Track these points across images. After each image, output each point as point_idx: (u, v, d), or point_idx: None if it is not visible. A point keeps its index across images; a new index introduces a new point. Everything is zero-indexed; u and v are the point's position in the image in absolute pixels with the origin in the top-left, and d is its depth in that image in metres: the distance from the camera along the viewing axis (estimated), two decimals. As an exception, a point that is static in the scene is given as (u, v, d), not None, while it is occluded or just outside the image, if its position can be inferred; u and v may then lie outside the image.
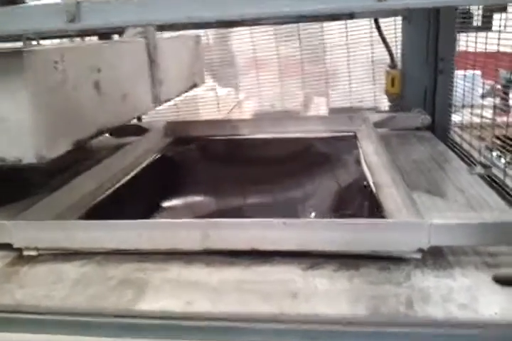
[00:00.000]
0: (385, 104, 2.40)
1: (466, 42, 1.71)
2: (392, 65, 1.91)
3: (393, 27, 2.14)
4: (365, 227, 0.89)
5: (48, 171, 1.65)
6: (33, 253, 1.01)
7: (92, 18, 0.70)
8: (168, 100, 1.71)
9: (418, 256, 0.89)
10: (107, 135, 2.07)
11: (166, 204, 1.29)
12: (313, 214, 1.11)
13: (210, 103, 3.18)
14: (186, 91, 1.93)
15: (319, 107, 3.41)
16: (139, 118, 2.23)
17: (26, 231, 0.99)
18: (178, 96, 1.83)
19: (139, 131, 1.90)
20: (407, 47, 1.91)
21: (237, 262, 0.92)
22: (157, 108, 2.15)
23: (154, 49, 1.52)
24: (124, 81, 1.40)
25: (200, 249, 0.94)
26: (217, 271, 0.90)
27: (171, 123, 1.91)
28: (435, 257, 0.90)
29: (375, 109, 2.93)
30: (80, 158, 1.77)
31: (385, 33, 1.99)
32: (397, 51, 1.98)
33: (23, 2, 1.42)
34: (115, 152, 1.61)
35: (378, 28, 1.93)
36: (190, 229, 0.93)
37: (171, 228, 0.94)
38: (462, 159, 1.56)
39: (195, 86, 2.00)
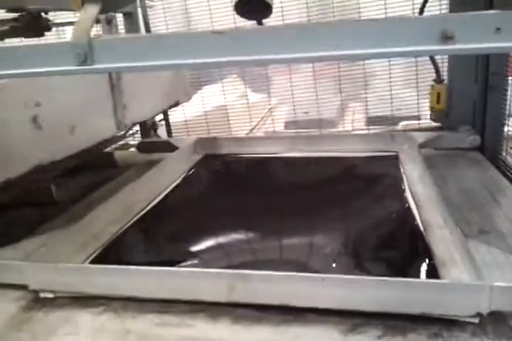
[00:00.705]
0: (427, 111, 2.24)
1: None
2: (438, 79, 1.77)
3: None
4: (416, 287, 0.78)
5: (71, 191, 1.61)
6: (50, 295, 0.94)
7: (107, 59, 0.61)
8: (138, 123, 1.65)
9: (475, 320, 0.78)
10: (133, 149, 2.03)
11: (192, 234, 1.20)
12: (346, 257, 0.99)
13: (242, 111, 3.07)
14: (165, 111, 1.86)
15: (356, 115, 3.26)
16: (170, 134, 2.17)
17: (42, 273, 0.93)
18: (152, 117, 1.77)
19: (168, 147, 1.84)
20: (455, 59, 1.76)
21: (266, 319, 0.83)
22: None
23: (118, 75, 1.44)
24: (73, 111, 1.34)
25: (226, 302, 0.85)
26: (244, 330, 0.81)
27: (200, 140, 1.83)
28: (495, 321, 0.78)
29: (418, 118, 2.76)
30: (106, 176, 1.72)
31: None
32: (444, 64, 1.83)
33: (48, 21, 1.37)
34: (143, 171, 1.54)
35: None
36: (215, 280, 0.84)
37: (194, 278, 0.86)
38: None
39: (177, 104, 1.92)
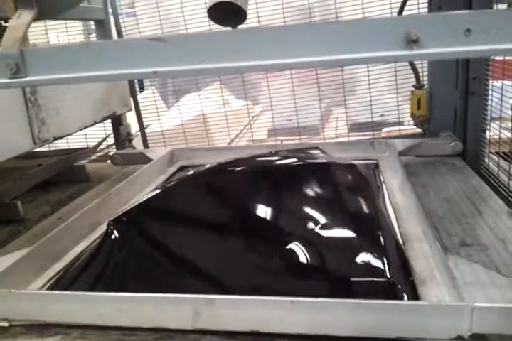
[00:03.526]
0: (408, 117, 2.20)
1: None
2: (418, 84, 1.73)
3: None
4: (393, 310, 0.72)
5: (39, 207, 1.54)
6: (5, 324, 0.87)
7: (42, 70, 0.55)
8: (62, 137, 1.58)
9: (456, 344, 0.73)
10: (108, 162, 1.96)
11: (165, 251, 1.13)
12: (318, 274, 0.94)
13: (224, 120, 3.02)
14: (98, 122, 1.79)
15: (339, 122, 3.22)
16: (146, 145, 2.10)
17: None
18: (81, 129, 1.69)
19: (142, 158, 1.78)
20: (435, 64, 1.73)
21: (234, 346, 0.77)
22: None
23: (33, 88, 1.37)
24: None
25: (191, 329, 0.79)
26: (211, 360, 0.75)
27: (175, 151, 1.77)
28: (477, 343, 0.73)
29: (400, 124, 2.73)
30: (78, 190, 1.66)
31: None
32: (424, 69, 1.80)
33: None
34: (115, 185, 1.48)
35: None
36: (179, 306, 0.78)
37: (156, 303, 0.80)
38: (499, 194, 1.38)
39: (113, 115, 1.86)
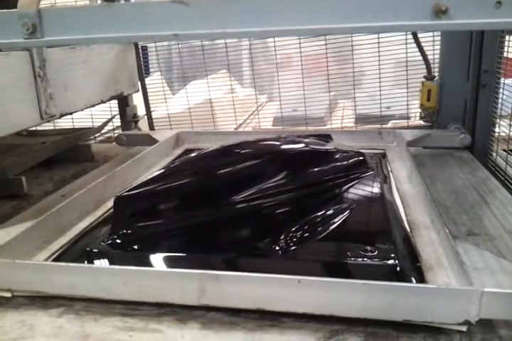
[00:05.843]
0: (417, 110, 2.19)
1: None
2: (429, 76, 1.72)
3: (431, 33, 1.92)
4: (400, 292, 0.72)
5: (44, 184, 1.53)
6: (7, 294, 0.87)
7: (59, 31, 0.54)
8: (69, 113, 1.55)
9: (463, 328, 0.72)
10: (114, 143, 1.95)
11: (168, 230, 1.12)
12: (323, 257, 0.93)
13: (229, 107, 3.00)
14: (105, 101, 1.77)
15: (345, 113, 3.20)
16: (152, 128, 2.09)
17: (-1, 270, 0.86)
18: (88, 107, 1.67)
19: (148, 140, 1.77)
20: (447, 56, 1.72)
21: (239, 323, 0.76)
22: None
23: (43, 62, 1.35)
24: None
25: (196, 305, 0.78)
26: (215, 336, 0.74)
27: (181, 133, 1.76)
28: (484, 329, 0.73)
29: (407, 117, 2.72)
30: (82, 169, 1.66)
31: (421, 39, 1.79)
32: (435, 60, 1.78)
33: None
34: (120, 165, 1.46)
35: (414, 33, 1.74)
36: (184, 282, 0.78)
37: (162, 278, 0.79)
38: (506, 187, 1.37)
39: (121, 95, 1.84)
